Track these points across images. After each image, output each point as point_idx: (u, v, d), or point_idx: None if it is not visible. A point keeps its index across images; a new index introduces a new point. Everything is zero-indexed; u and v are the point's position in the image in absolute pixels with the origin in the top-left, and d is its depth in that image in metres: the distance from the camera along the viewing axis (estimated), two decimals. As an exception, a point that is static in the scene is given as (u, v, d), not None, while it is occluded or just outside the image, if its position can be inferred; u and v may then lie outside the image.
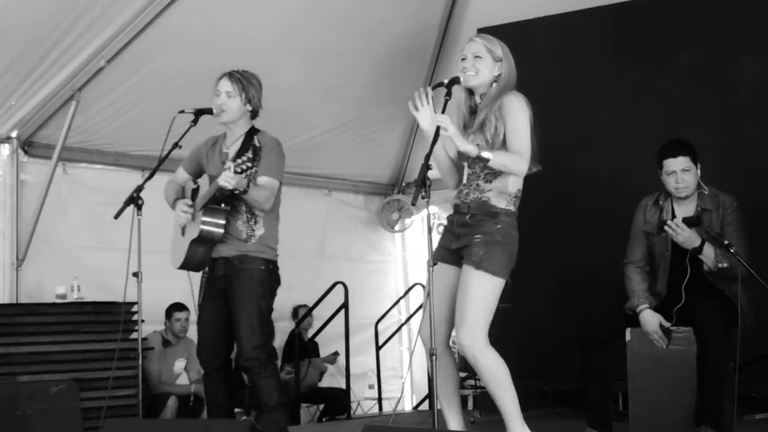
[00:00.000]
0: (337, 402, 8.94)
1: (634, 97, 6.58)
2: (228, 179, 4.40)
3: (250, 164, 4.34)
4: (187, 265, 4.88)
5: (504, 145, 4.16)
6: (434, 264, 3.96)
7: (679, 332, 4.84)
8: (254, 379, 4.78)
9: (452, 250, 4.30)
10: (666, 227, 4.82)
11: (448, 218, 4.40)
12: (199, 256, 4.83)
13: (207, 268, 4.91)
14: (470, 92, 4.37)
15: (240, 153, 4.73)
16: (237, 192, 4.52)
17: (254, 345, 4.72)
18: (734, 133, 6.18)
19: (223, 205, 4.71)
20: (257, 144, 4.37)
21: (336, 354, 9.28)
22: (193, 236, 4.76)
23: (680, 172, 4.91)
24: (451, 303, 4.29)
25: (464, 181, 4.35)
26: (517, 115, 4.17)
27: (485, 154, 4.05)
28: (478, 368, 4.14)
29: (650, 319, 4.85)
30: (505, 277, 4.17)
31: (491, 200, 4.23)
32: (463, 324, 4.14)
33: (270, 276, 4.86)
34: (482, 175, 4.26)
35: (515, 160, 4.11)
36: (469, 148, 4.05)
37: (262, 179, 4.65)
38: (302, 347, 8.71)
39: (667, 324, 4.84)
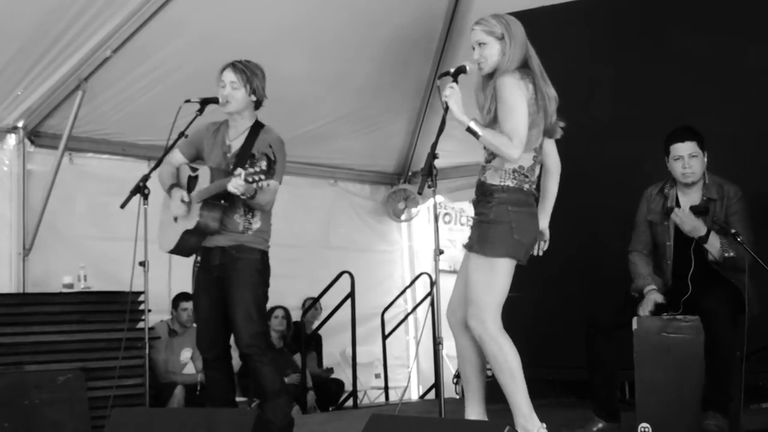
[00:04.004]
0: (330, 392, 8.98)
1: (639, 85, 6.56)
2: (237, 186, 4.43)
3: (263, 176, 4.33)
4: (178, 251, 4.93)
5: (496, 126, 4.14)
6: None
7: (686, 321, 4.83)
8: (256, 367, 4.79)
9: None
10: (672, 215, 4.81)
11: None
12: (191, 244, 4.88)
13: (199, 258, 4.92)
14: (490, 76, 4.31)
15: (245, 149, 4.75)
16: (243, 197, 4.53)
17: (252, 332, 4.75)
18: (741, 122, 6.16)
19: (222, 201, 4.73)
20: (272, 157, 4.35)
21: (330, 370, 9.31)
22: (188, 227, 4.78)
23: (687, 157, 4.90)
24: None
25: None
26: (509, 96, 4.09)
27: (474, 127, 4.04)
28: (485, 352, 4.15)
29: (651, 295, 4.87)
30: (504, 256, 4.13)
31: (487, 179, 4.23)
32: (468, 306, 4.16)
33: (264, 266, 4.89)
34: (486, 155, 4.26)
35: (504, 143, 4.05)
36: (463, 119, 4.04)
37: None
38: (305, 338, 8.73)
39: (663, 301, 4.85)
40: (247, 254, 4.80)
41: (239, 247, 4.80)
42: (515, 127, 4.06)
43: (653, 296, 4.87)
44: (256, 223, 4.84)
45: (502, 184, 4.18)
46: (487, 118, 4.19)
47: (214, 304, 4.87)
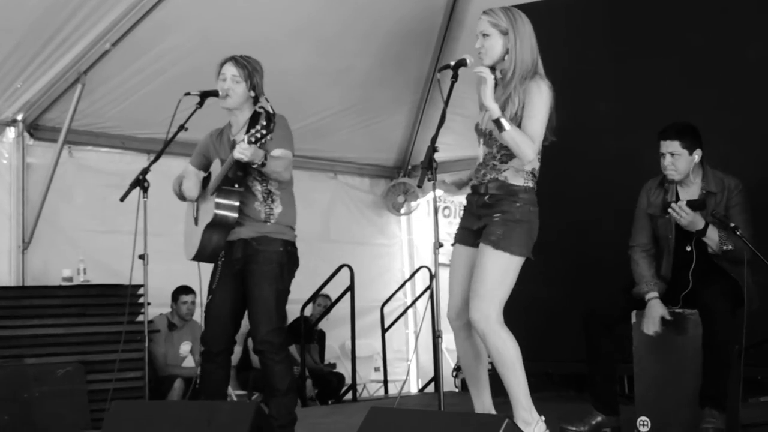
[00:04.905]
0: (331, 385, 9.00)
1: (639, 79, 6.55)
2: (243, 150, 4.31)
3: (264, 131, 4.24)
4: (202, 254, 4.78)
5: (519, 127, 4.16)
6: (451, 245, 3.97)
7: (685, 315, 4.83)
8: (268, 363, 4.70)
9: (474, 231, 4.29)
10: (670, 210, 4.80)
11: (468, 199, 4.40)
12: (214, 243, 4.74)
13: (223, 253, 4.79)
14: (492, 68, 4.28)
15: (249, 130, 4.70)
16: (255, 165, 4.46)
17: (270, 328, 4.66)
18: (740, 117, 6.15)
19: (236, 185, 4.64)
20: (270, 110, 4.30)
21: (332, 365, 9.34)
22: (207, 221, 4.68)
23: (668, 155, 4.89)
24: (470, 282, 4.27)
25: (480, 160, 4.32)
26: (537, 102, 4.13)
27: (504, 122, 4.03)
28: (487, 346, 4.14)
29: (655, 308, 4.82)
30: (524, 255, 4.17)
31: (509, 179, 4.21)
32: (474, 299, 4.14)
33: (289, 258, 4.79)
34: (498, 155, 4.23)
35: (527, 143, 4.08)
36: (494, 108, 4.04)
37: (276, 151, 4.56)
38: (308, 332, 8.73)
39: (669, 318, 4.82)
40: (268, 246, 4.70)
41: (261, 238, 4.70)
42: (537, 132, 4.12)
43: (657, 312, 4.81)
44: (278, 208, 4.74)
45: (525, 185, 4.22)
46: (514, 120, 4.18)
47: (230, 300, 4.78)
